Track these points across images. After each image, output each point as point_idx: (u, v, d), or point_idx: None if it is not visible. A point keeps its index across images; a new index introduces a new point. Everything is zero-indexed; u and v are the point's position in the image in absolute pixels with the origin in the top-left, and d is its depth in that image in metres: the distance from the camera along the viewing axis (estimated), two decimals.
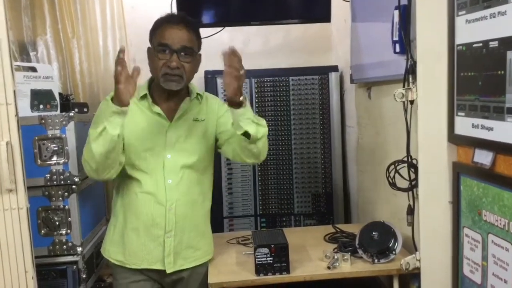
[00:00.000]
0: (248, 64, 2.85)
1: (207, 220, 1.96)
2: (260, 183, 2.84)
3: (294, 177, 2.85)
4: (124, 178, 1.84)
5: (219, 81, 2.78)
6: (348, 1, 2.55)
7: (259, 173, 2.83)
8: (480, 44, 1.33)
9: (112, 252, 1.88)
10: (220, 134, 1.90)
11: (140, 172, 1.81)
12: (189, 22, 1.80)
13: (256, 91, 2.81)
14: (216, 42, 2.79)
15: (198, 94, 1.90)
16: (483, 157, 1.35)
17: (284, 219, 2.88)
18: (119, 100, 1.61)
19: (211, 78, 2.78)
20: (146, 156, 1.81)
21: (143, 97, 1.84)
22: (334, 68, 2.86)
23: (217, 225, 2.76)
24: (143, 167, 1.81)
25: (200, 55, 1.86)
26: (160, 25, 1.79)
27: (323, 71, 2.84)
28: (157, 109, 1.83)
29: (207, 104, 1.93)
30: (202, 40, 1.87)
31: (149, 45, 1.85)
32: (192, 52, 1.79)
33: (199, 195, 1.89)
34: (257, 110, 2.81)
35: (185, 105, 1.86)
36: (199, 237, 1.89)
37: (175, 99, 1.85)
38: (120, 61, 1.58)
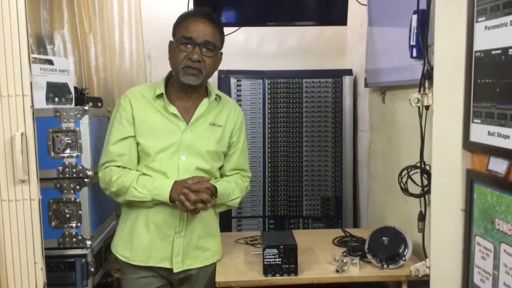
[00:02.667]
0: (262, 65, 2.91)
1: (217, 220, 1.96)
2: (269, 185, 2.84)
3: (304, 180, 2.85)
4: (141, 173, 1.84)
5: (233, 80, 2.79)
6: (365, 5, 2.54)
7: (269, 174, 2.83)
8: (499, 51, 1.31)
9: (119, 247, 1.88)
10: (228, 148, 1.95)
11: (154, 172, 1.81)
12: (214, 18, 1.81)
13: (269, 92, 2.81)
14: (232, 42, 2.81)
15: (216, 95, 1.89)
16: (498, 165, 1.34)
17: (292, 221, 2.87)
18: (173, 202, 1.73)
19: (224, 77, 2.79)
20: (161, 156, 1.80)
21: (159, 96, 1.83)
22: (348, 72, 2.85)
23: (225, 224, 2.75)
24: (158, 167, 1.80)
25: (221, 53, 1.87)
26: (185, 19, 1.80)
27: (337, 75, 2.84)
28: (173, 109, 1.82)
29: (228, 111, 1.93)
30: None
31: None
32: (215, 47, 1.79)
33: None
34: (269, 111, 2.81)
35: (203, 108, 1.85)
36: (209, 238, 1.89)
37: (193, 98, 1.85)
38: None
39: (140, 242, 1.83)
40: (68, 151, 2.05)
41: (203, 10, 1.85)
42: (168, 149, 1.80)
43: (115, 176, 1.79)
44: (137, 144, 1.82)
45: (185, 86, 1.80)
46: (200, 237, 1.85)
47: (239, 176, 1.98)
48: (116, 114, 1.86)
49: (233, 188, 1.90)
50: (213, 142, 1.86)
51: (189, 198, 1.69)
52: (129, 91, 1.88)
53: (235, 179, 1.94)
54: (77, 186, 2.06)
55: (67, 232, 2.07)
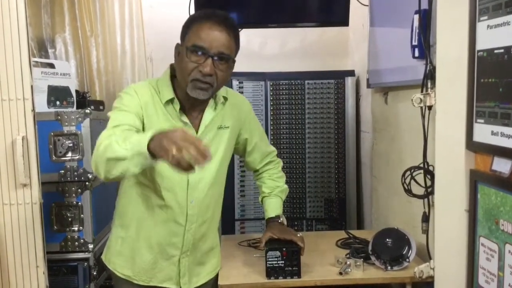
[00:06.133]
0: (264, 66, 2.91)
1: (217, 231, 1.86)
2: None
3: (307, 181, 2.84)
4: (142, 189, 1.65)
5: (235, 82, 2.78)
6: (367, 6, 2.53)
7: None
8: (502, 50, 1.30)
9: (118, 265, 1.71)
10: (243, 146, 1.86)
11: (161, 188, 1.62)
12: (231, 24, 1.57)
13: (271, 94, 2.80)
14: None
15: (223, 97, 1.70)
16: (502, 165, 1.32)
17: (296, 223, 2.86)
18: (160, 155, 1.23)
19: None
20: (170, 172, 1.56)
21: (169, 101, 1.60)
22: (351, 73, 2.84)
23: (228, 227, 2.75)
24: (165, 183, 1.61)
25: (234, 61, 1.63)
26: (198, 22, 1.55)
27: (339, 76, 2.83)
28: (186, 118, 1.61)
29: (237, 110, 1.76)
30: None
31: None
32: (229, 59, 1.57)
33: (216, 210, 1.78)
34: (271, 113, 2.80)
35: (210, 115, 1.65)
36: (210, 251, 1.81)
37: (200, 106, 1.64)
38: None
39: (144, 262, 1.69)
40: (69, 154, 2.05)
41: (219, 14, 1.57)
42: None
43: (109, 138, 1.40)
44: None
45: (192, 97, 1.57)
46: (202, 254, 1.76)
47: (271, 166, 1.94)
48: (123, 102, 1.57)
49: (280, 191, 1.92)
50: (222, 148, 1.70)
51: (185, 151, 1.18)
52: (134, 88, 1.62)
53: (272, 178, 1.93)
54: (79, 190, 2.06)
55: (69, 236, 2.07)
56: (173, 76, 1.64)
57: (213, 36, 1.52)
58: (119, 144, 1.33)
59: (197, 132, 1.63)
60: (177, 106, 1.59)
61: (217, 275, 1.82)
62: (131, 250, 1.69)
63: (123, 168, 1.32)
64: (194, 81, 1.52)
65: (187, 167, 1.19)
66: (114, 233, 1.74)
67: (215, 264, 1.84)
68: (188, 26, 1.57)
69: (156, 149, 1.24)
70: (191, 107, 1.63)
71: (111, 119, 1.52)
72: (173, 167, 1.20)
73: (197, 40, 1.52)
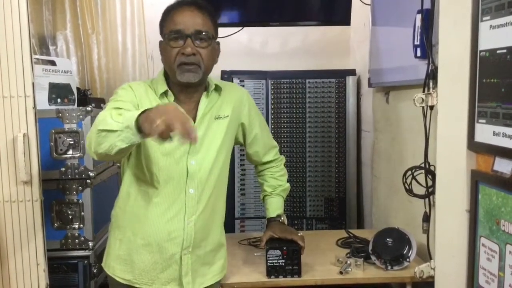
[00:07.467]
0: (265, 65, 2.90)
1: (223, 229, 1.78)
2: None
3: (308, 180, 2.83)
4: (139, 185, 1.63)
5: (236, 81, 2.78)
6: (369, 5, 2.53)
7: None
8: (504, 51, 1.30)
9: (118, 270, 1.65)
10: (242, 135, 1.82)
11: (158, 179, 1.60)
12: (201, 5, 1.60)
13: (272, 92, 2.80)
14: (235, 42, 2.81)
15: (216, 85, 1.69)
16: (504, 166, 1.32)
17: (296, 222, 2.85)
18: (144, 126, 1.25)
19: (227, 78, 2.77)
20: (167, 162, 1.59)
21: (164, 94, 1.61)
22: (352, 72, 2.84)
23: (228, 225, 2.74)
24: (163, 173, 1.59)
25: (218, 43, 1.66)
26: (170, 12, 1.60)
27: (340, 75, 2.82)
28: (181, 109, 1.56)
29: (234, 100, 1.74)
30: (220, 40, 1.69)
31: None
32: (208, 36, 1.58)
33: (218, 202, 1.72)
34: (272, 112, 2.80)
35: (204, 104, 1.65)
36: (216, 251, 1.72)
37: (194, 98, 1.65)
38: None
39: (143, 263, 1.62)
40: (70, 152, 2.05)
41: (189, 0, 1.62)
42: (175, 153, 1.59)
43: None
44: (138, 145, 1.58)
45: (184, 86, 1.60)
46: (207, 251, 1.68)
47: (274, 164, 1.93)
48: (118, 94, 1.60)
49: (282, 190, 1.92)
50: (220, 138, 1.67)
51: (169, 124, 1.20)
52: (129, 84, 1.66)
53: (274, 177, 1.92)
54: (80, 187, 2.06)
55: (69, 234, 2.07)
56: (166, 78, 1.67)
57: (186, 18, 1.56)
58: (113, 118, 1.36)
59: (194, 122, 1.62)
60: (171, 98, 1.61)
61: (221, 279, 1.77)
62: (128, 252, 1.64)
63: (110, 142, 1.34)
64: (180, 66, 1.55)
65: (166, 139, 1.23)
66: (111, 236, 1.70)
67: (222, 267, 1.76)
68: (163, 20, 1.63)
69: (142, 120, 1.26)
70: (185, 99, 1.64)
71: (107, 107, 1.54)
72: (153, 139, 1.22)
73: (172, 26, 1.57)
